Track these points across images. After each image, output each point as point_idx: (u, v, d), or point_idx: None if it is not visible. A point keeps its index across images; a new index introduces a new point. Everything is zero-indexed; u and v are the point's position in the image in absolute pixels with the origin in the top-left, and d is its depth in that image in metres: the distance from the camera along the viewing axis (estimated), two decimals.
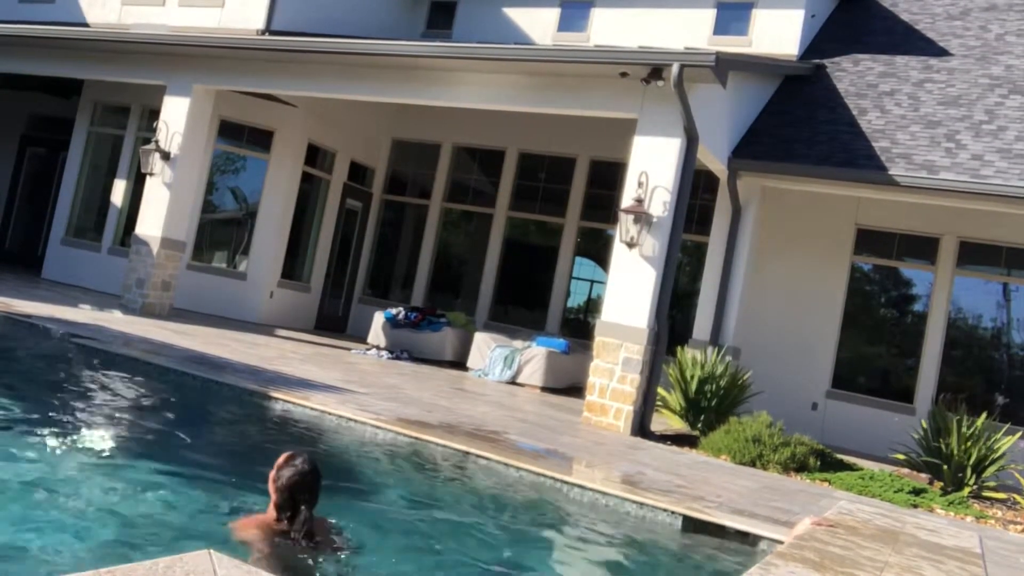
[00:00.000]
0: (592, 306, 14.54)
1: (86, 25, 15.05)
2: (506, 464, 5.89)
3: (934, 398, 11.56)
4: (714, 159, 10.66)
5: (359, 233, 15.96)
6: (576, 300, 14.96)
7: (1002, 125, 11.16)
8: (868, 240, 12.57)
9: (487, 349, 12.47)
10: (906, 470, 9.00)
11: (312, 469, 3.73)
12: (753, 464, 8.21)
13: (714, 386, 9.64)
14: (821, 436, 10.32)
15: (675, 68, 8.71)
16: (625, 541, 5.13)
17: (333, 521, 3.97)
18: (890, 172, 10.46)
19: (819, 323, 12.51)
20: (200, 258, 14.09)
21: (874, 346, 12.72)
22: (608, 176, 13.70)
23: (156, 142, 12.17)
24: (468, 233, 16.12)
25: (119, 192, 14.62)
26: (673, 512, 5.37)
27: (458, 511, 5.15)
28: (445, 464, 6.03)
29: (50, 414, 5.38)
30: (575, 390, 11.79)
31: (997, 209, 10.45)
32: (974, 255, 12.07)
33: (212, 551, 2.25)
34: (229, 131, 14.06)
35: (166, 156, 12.10)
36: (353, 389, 8.15)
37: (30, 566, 3.14)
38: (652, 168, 9.20)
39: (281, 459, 3.75)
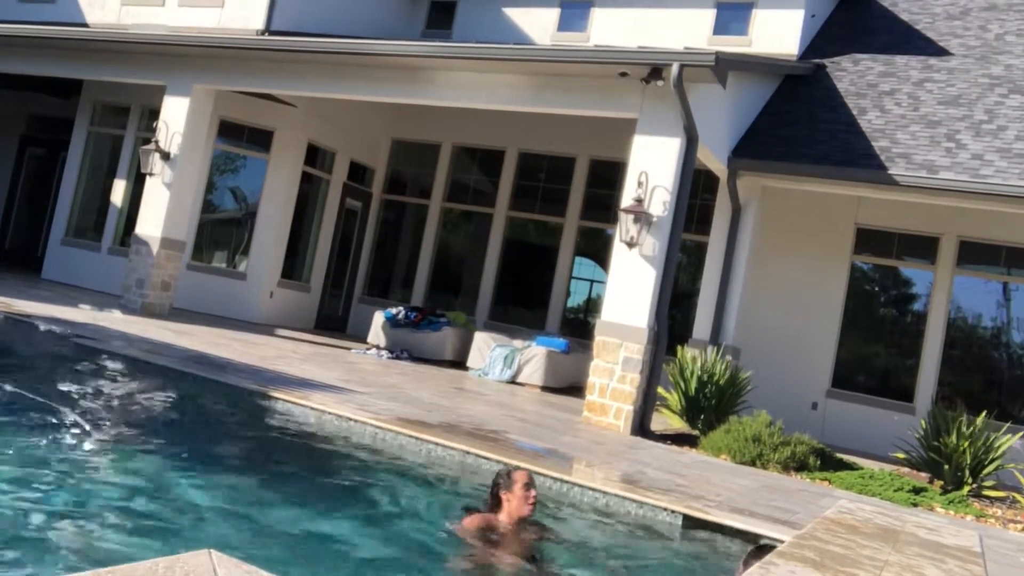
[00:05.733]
0: (592, 306, 14.54)
1: (86, 25, 15.04)
2: (505, 464, 5.89)
3: (934, 397, 11.56)
4: (714, 159, 10.66)
5: (359, 233, 15.96)
6: (576, 300, 14.97)
7: (1002, 125, 11.16)
8: (868, 239, 12.57)
9: (487, 349, 12.47)
10: (906, 469, 9.01)
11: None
12: (753, 463, 8.21)
13: (714, 386, 9.64)
14: (821, 435, 10.32)
15: (675, 68, 8.71)
16: (624, 540, 5.13)
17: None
18: (890, 172, 10.46)
19: (819, 322, 12.51)
20: (200, 258, 14.09)
21: (874, 345, 12.72)
22: (608, 176, 13.70)
23: (156, 142, 12.17)
24: (468, 233, 16.12)
25: (119, 192, 14.62)
26: (673, 511, 5.37)
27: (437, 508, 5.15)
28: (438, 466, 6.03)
29: (49, 414, 5.38)
30: (575, 390, 11.79)
31: (997, 208, 10.46)
32: (974, 254, 12.07)
33: (212, 551, 2.25)
34: (229, 131, 14.06)
35: (166, 156, 12.10)
36: (353, 389, 8.15)
37: (30, 565, 3.15)
38: (652, 168, 9.20)
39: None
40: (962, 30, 13.87)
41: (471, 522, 4.41)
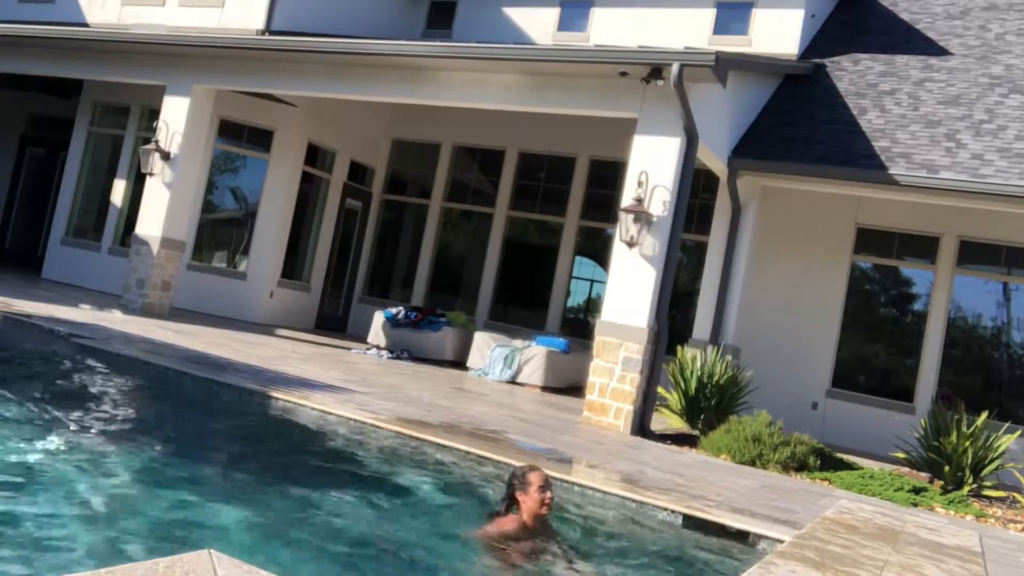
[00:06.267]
0: (592, 305, 14.54)
1: (86, 25, 15.05)
2: (507, 464, 5.89)
3: (934, 397, 11.57)
4: (714, 158, 10.66)
5: (359, 233, 15.96)
6: (576, 299, 14.97)
7: (1002, 124, 11.16)
8: (868, 239, 12.57)
9: (487, 349, 12.47)
10: (906, 469, 9.01)
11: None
12: (753, 463, 8.21)
13: (714, 385, 9.64)
14: (821, 435, 10.32)
15: (675, 67, 8.71)
16: (624, 540, 5.13)
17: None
18: (890, 171, 10.46)
19: (819, 322, 12.51)
20: (200, 258, 14.10)
21: (874, 345, 12.72)
22: (608, 175, 13.70)
23: (156, 142, 12.17)
24: (468, 233, 16.12)
25: (119, 192, 14.62)
26: (673, 511, 5.37)
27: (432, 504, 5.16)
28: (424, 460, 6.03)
29: (49, 414, 5.38)
30: (575, 390, 11.79)
31: (997, 208, 10.46)
32: (974, 254, 12.07)
33: (212, 551, 2.25)
34: (229, 131, 14.06)
35: (166, 156, 12.10)
36: (353, 389, 8.15)
37: (30, 566, 3.15)
38: (652, 167, 9.20)
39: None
40: (962, 29, 13.87)
41: (494, 527, 4.41)
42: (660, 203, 9.12)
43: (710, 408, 9.61)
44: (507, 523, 4.39)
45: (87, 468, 4.53)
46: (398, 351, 12.73)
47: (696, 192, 11.91)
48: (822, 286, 12.58)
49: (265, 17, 13.66)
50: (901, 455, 9.07)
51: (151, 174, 12.17)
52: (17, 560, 3.17)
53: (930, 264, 12.24)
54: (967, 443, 8.38)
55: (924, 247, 12.30)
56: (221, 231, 14.67)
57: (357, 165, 15.69)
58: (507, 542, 4.28)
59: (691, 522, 5.30)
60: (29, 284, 13.13)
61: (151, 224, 12.14)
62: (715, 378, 9.64)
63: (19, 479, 4.08)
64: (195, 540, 3.70)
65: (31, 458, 4.46)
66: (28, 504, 3.77)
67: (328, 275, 15.40)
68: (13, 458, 4.39)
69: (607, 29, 14.87)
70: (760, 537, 5.11)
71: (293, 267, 14.77)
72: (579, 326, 14.41)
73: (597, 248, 14.60)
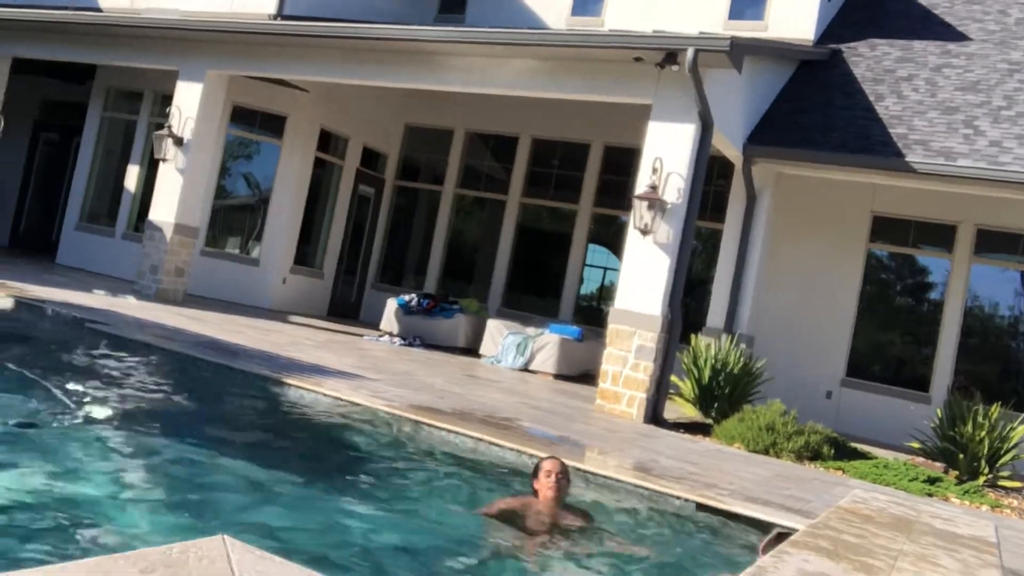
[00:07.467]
0: (605, 293, 14.50)
1: (99, 10, 15.04)
2: (519, 451, 5.88)
3: (950, 387, 11.49)
4: (729, 145, 10.58)
5: (372, 219, 15.95)
6: (589, 287, 14.92)
7: (1021, 111, 11.02)
8: (884, 227, 12.47)
9: (500, 336, 12.45)
10: (921, 459, 8.95)
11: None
12: (767, 452, 8.18)
13: (727, 374, 9.59)
14: (835, 424, 10.27)
15: (690, 53, 8.63)
16: (637, 528, 5.11)
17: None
18: (907, 159, 10.36)
19: (834, 311, 12.43)
20: (213, 244, 14.12)
21: (889, 334, 12.63)
22: (622, 162, 13.62)
23: (169, 127, 12.17)
24: (481, 219, 16.08)
25: (132, 178, 14.65)
26: (686, 499, 5.35)
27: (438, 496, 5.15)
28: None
29: (64, 399, 5.40)
30: (588, 377, 11.77)
31: (1015, 196, 10.34)
32: (991, 243, 11.95)
33: (226, 536, 2.24)
34: (242, 116, 14.05)
35: (179, 142, 12.10)
36: (366, 375, 8.15)
37: (44, 550, 3.15)
38: (666, 154, 9.13)
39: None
40: (981, 14, 13.70)
41: (501, 503, 4.73)
42: (675, 190, 9.06)
43: (724, 397, 9.57)
44: (512, 501, 4.70)
45: (98, 453, 4.54)
46: (411, 338, 12.73)
47: (711, 179, 11.80)
48: (837, 274, 12.50)
49: (277, 2, 13.63)
50: (916, 445, 9.01)
51: (164, 160, 12.17)
52: (30, 543, 3.17)
53: (947, 252, 12.13)
54: (983, 433, 8.32)
55: (941, 235, 12.19)
56: (234, 217, 14.69)
57: (370, 151, 15.66)
58: (514, 518, 4.52)
59: (704, 511, 5.27)
60: (43, 270, 13.19)
61: (164, 210, 12.16)
62: (729, 367, 9.60)
63: (30, 463, 4.09)
64: (208, 525, 3.70)
65: (43, 443, 4.46)
66: (39, 488, 3.78)
67: (341, 261, 15.41)
68: (26, 443, 4.40)
69: (622, 13, 14.75)
70: (773, 526, 5.08)
71: (306, 253, 14.78)
72: (592, 314, 14.37)
73: (611, 235, 14.54)
